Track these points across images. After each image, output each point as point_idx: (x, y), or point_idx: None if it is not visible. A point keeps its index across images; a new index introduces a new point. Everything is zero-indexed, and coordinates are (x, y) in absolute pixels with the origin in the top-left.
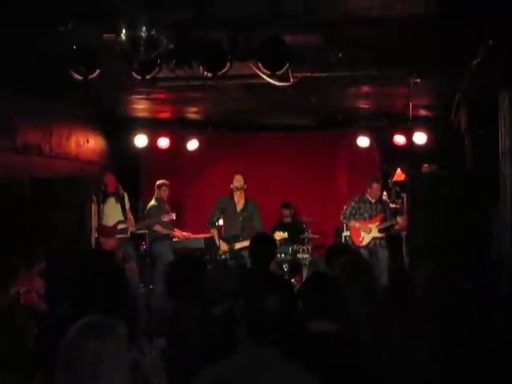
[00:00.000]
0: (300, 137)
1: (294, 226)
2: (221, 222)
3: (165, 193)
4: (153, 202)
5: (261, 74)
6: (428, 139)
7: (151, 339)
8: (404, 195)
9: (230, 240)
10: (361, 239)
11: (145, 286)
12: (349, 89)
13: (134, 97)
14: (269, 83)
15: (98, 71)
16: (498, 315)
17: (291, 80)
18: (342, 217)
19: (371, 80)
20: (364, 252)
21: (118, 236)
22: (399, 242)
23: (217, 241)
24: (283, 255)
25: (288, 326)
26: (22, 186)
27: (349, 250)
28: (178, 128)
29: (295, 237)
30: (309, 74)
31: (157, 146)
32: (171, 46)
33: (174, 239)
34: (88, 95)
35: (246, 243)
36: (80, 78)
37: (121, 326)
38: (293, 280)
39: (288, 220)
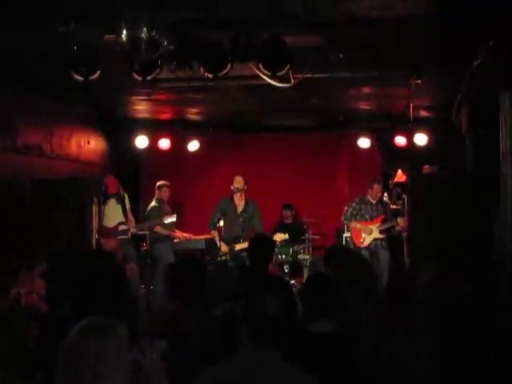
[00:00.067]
0: (301, 138)
1: (295, 227)
2: (221, 223)
3: (165, 193)
4: (153, 203)
5: (261, 75)
6: (429, 140)
7: (152, 340)
8: (405, 196)
9: (231, 241)
10: (362, 240)
11: (145, 286)
12: (349, 90)
13: (134, 98)
14: (269, 84)
15: (98, 72)
16: (499, 316)
17: (292, 81)
18: (343, 218)
19: (372, 81)
20: (365, 253)
21: (119, 237)
22: (400, 243)
23: (217, 242)
24: (284, 256)
25: (288, 327)
26: (22, 187)
27: (348, 251)
28: (179, 129)
29: (296, 238)
30: (309, 75)
31: (157, 147)
32: (172, 46)
33: (175, 240)
34: (88, 96)
35: (247, 244)
36: (80, 78)
37: (121, 326)
38: (293, 281)
39: (289, 221)
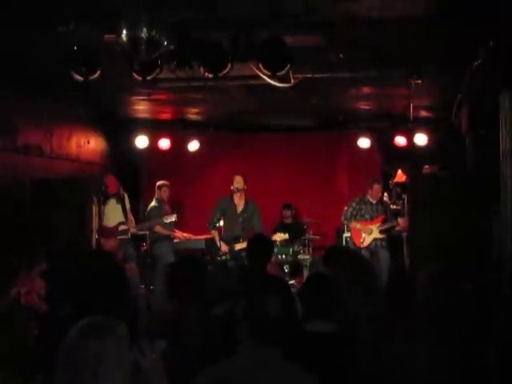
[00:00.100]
0: (301, 138)
1: (295, 226)
2: (221, 223)
3: (165, 193)
4: (153, 203)
5: (261, 75)
6: (429, 140)
7: (152, 340)
8: (405, 196)
9: (231, 241)
10: (362, 240)
11: (145, 286)
12: (349, 90)
13: (134, 98)
14: (269, 84)
15: (98, 72)
16: (499, 316)
17: (292, 81)
18: (342, 218)
19: (372, 81)
20: (365, 253)
21: (119, 237)
22: (400, 243)
23: (217, 242)
24: (284, 256)
25: (288, 327)
26: (22, 187)
27: (347, 251)
28: (179, 129)
29: (296, 238)
30: (309, 75)
31: (157, 147)
32: (172, 46)
33: (175, 240)
34: (88, 96)
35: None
36: (80, 78)
37: (121, 326)
38: (293, 281)
39: (289, 221)
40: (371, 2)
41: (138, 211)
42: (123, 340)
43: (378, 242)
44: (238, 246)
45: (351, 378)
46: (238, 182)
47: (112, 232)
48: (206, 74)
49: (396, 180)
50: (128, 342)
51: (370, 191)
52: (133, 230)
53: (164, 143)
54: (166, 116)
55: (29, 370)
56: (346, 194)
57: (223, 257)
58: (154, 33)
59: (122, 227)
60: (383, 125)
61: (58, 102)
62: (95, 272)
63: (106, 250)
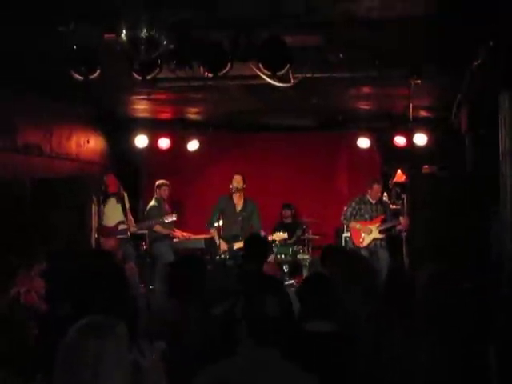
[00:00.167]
0: (300, 137)
1: (295, 226)
2: (221, 222)
3: (165, 192)
4: (153, 203)
5: (261, 75)
6: (428, 140)
7: (151, 340)
8: (404, 196)
9: (230, 240)
10: (361, 240)
11: (145, 286)
12: (349, 90)
13: (134, 97)
14: (269, 84)
15: (98, 71)
16: (499, 316)
17: (292, 81)
18: (342, 218)
19: (372, 81)
20: (364, 253)
21: (118, 236)
22: (399, 242)
23: (217, 240)
24: (283, 256)
25: (287, 327)
26: (22, 186)
27: (344, 251)
28: (179, 128)
29: (297, 238)
30: (309, 75)
31: (157, 147)
32: (172, 46)
33: (175, 240)
34: (88, 95)
35: None
36: (80, 78)
37: (121, 325)
38: (293, 281)
39: (288, 221)
40: (371, 2)
41: (137, 211)
42: (123, 339)
43: (378, 242)
44: (236, 245)
45: (351, 377)
46: (237, 181)
47: (112, 231)
48: (206, 73)
49: (395, 180)
50: (127, 342)
51: (369, 191)
52: (133, 230)
53: (164, 143)
54: (165, 115)
55: (28, 370)
56: (345, 194)
57: (222, 256)
58: (153, 32)
59: (121, 226)
60: (383, 125)
61: (57, 102)
62: (95, 271)
63: (105, 250)
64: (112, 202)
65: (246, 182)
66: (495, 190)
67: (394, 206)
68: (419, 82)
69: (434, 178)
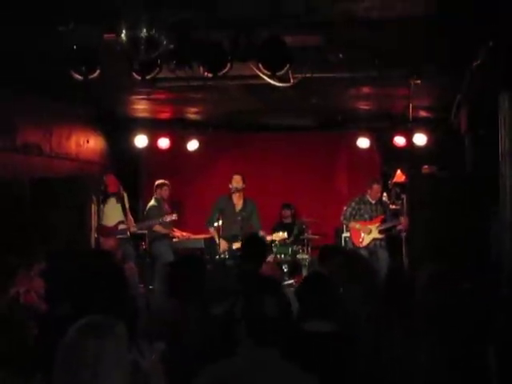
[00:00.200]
0: (300, 137)
1: (294, 226)
2: (220, 222)
3: (165, 192)
4: (152, 202)
5: (261, 75)
6: (428, 140)
7: (151, 340)
8: (404, 196)
9: (230, 240)
10: (361, 240)
11: (144, 285)
12: (349, 90)
13: (134, 97)
14: (269, 84)
15: (98, 71)
16: (498, 316)
17: (291, 81)
18: (342, 218)
19: (371, 81)
20: (364, 253)
21: (118, 236)
22: (399, 243)
23: (216, 239)
24: (283, 256)
25: (286, 327)
26: (22, 186)
27: (342, 251)
28: (178, 128)
29: (295, 237)
30: (309, 75)
31: (157, 147)
32: (171, 46)
33: (174, 239)
34: (88, 95)
35: None
36: (80, 77)
37: (120, 325)
38: (292, 280)
39: (288, 220)
40: (371, 2)
41: (137, 210)
42: (122, 339)
43: (377, 242)
44: (236, 245)
45: (350, 377)
46: (237, 181)
47: (111, 231)
48: (206, 73)
49: (395, 180)
50: (127, 342)
51: (369, 191)
52: (133, 229)
53: (163, 142)
54: (165, 115)
55: (28, 370)
56: (345, 194)
57: (222, 256)
58: (153, 32)
59: (121, 226)
60: (383, 125)
61: (57, 102)
62: (94, 271)
63: (105, 249)
64: (112, 201)
65: (246, 182)
66: (495, 191)
67: (394, 206)
68: (419, 82)
69: (434, 179)
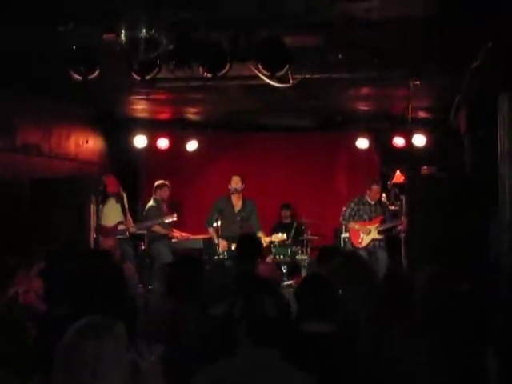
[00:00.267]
0: (300, 138)
1: (293, 227)
2: (219, 223)
3: (165, 193)
4: (151, 203)
5: (260, 75)
6: (427, 141)
7: (150, 340)
8: (403, 197)
9: (229, 240)
10: (360, 240)
11: (143, 286)
12: (348, 90)
13: (133, 97)
14: (268, 84)
15: (97, 71)
16: (497, 317)
17: (291, 81)
18: (341, 218)
19: (371, 82)
20: (363, 253)
21: (117, 236)
22: (398, 243)
23: (215, 240)
24: (282, 256)
25: (285, 328)
26: (21, 186)
27: (340, 251)
28: (178, 129)
29: (294, 238)
30: (308, 76)
31: (156, 147)
32: (171, 46)
33: (173, 240)
34: (88, 95)
35: None
36: (79, 78)
37: (119, 325)
38: (291, 281)
39: (287, 221)
40: (371, 3)
41: (136, 211)
42: (121, 339)
43: (377, 243)
44: (235, 246)
45: (349, 378)
46: (236, 182)
47: (110, 231)
48: (205, 73)
49: (394, 181)
50: (126, 342)
51: (368, 192)
52: (132, 230)
53: (163, 143)
54: (164, 116)
55: (27, 370)
56: (344, 195)
57: (221, 256)
58: (153, 33)
59: (120, 227)
60: (382, 125)
61: (57, 102)
62: (93, 271)
63: (104, 249)
64: (111, 202)
65: (245, 183)
66: (494, 191)
67: (393, 207)
68: (418, 82)
69: (433, 179)
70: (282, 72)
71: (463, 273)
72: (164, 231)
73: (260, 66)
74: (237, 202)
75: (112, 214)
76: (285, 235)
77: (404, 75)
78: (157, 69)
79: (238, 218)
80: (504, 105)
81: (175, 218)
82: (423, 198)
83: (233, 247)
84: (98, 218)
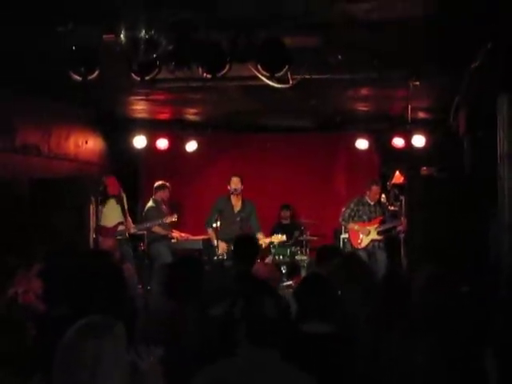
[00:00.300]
0: (299, 138)
1: (293, 227)
2: (218, 223)
3: (166, 194)
4: (150, 204)
5: (260, 76)
6: (427, 142)
7: (148, 341)
8: (402, 198)
9: (229, 241)
10: (359, 241)
11: (143, 286)
12: (348, 91)
13: (133, 98)
14: (268, 85)
15: (96, 72)
16: (497, 318)
17: (290, 82)
18: (340, 219)
19: (370, 82)
20: (362, 254)
21: (117, 237)
22: (397, 244)
23: (214, 242)
24: (281, 257)
25: (285, 328)
26: (21, 187)
27: (339, 252)
28: (177, 129)
29: (293, 238)
30: (308, 76)
31: (156, 147)
32: (171, 47)
33: (173, 240)
34: (87, 96)
35: None
36: (79, 78)
37: (119, 326)
38: (291, 282)
39: (287, 221)
40: (370, 4)
41: (135, 212)
42: (121, 340)
43: (376, 243)
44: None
45: (349, 379)
46: (235, 183)
47: (110, 232)
48: (205, 74)
49: (394, 181)
50: (125, 342)
51: (368, 192)
52: (133, 231)
53: (162, 143)
54: (164, 116)
55: (27, 370)
56: (343, 195)
57: (220, 257)
58: (153, 33)
59: (120, 227)
60: (381, 126)
61: (57, 102)
62: (93, 271)
63: (103, 250)
64: (112, 203)
65: (244, 183)
66: (493, 192)
67: (392, 208)
68: (418, 83)
69: (432, 180)
70: (281, 73)
71: (462, 274)
72: (164, 232)
73: (259, 67)
74: (236, 203)
75: (112, 214)
76: (284, 237)
77: (403, 76)
78: (156, 69)
79: (238, 219)
80: (503, 106)
81: (175, 219)
82: (423, 199)
83: (232, 248)
84: (98, 218)
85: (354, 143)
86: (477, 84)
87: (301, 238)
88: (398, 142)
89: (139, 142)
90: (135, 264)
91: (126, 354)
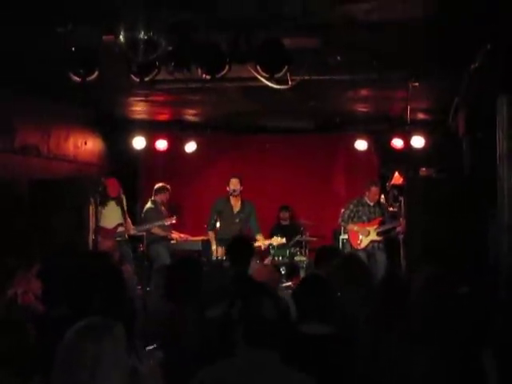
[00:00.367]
0: (298, 139)
1: (292, 228)
2: (218, 224)
3: (165, 196)
4: (149, 205)
5: (259, 77)
6: (426, 143)
7: (148, 342)
8: (401, 199)
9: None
10: (359, 242)
11: (142, 287)
12: (347, 92)
13: (132, 99)
14: (267, 86)
15: (96, 73)
16: (496, 319)
17: (289, 83)
18: (340, 220)
19: (369, 83)
20: (362, 255)
21: (116, 238)
22: (397, 245)
23: (213, 245)
24: (281, 258)
25: (284, 329)
26: (20, 187)
27: (338, 252)
28: (177, 130)
29: (293, 239)
30: (307, 77)
31: (155, 148)
32: (170, 48)
33: (172, 241)
34: (87, 97)
35: None
36: (78, 79)
37: (118, 327)
38: (290, 283)
39: (286, 222)
40: (370, 4)
41: (134, 213)
42: (120, 341)
43: (375, 244)
44: None
45: (348, 380)
46: (234, 184)
47: (110, 233)
48: (204, 75)
49: (393, 182)
50: (125, 343)
51: (367, 193)
52: (132, 232)
53: (161, 144)
54: (163, 117)
55: (26, 371)
56: (343, 196)
57: (219, 258)
58: (152, 34)
59: (120, 229)
60: (381, 127)
61: (56, 103)
62: (92, 272)
63: (103, 251)
64: (112, 204)
65: (243, 184)
66: (492, 193)
67: (392, 209)
68: (417, 84)
69: (432, 181)
70: (280, 73)
71: (462, 275)
72: (163, 233)
73: (259, 68)
74: (235, 204)
75: (112, 215)
76: (284, 239)
77: (403, 77)
78: (156, 70)
79: (237, 220)
80: (503, 107)
81: (174, 221)
82: (422, 200)
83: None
84: (97, 219)
85: (353, 144)
86: (476, 85)
87: (300, 239)
88: (398, 142)
89: (138, 142)
90: (134, 265)
91: (125, 354)
